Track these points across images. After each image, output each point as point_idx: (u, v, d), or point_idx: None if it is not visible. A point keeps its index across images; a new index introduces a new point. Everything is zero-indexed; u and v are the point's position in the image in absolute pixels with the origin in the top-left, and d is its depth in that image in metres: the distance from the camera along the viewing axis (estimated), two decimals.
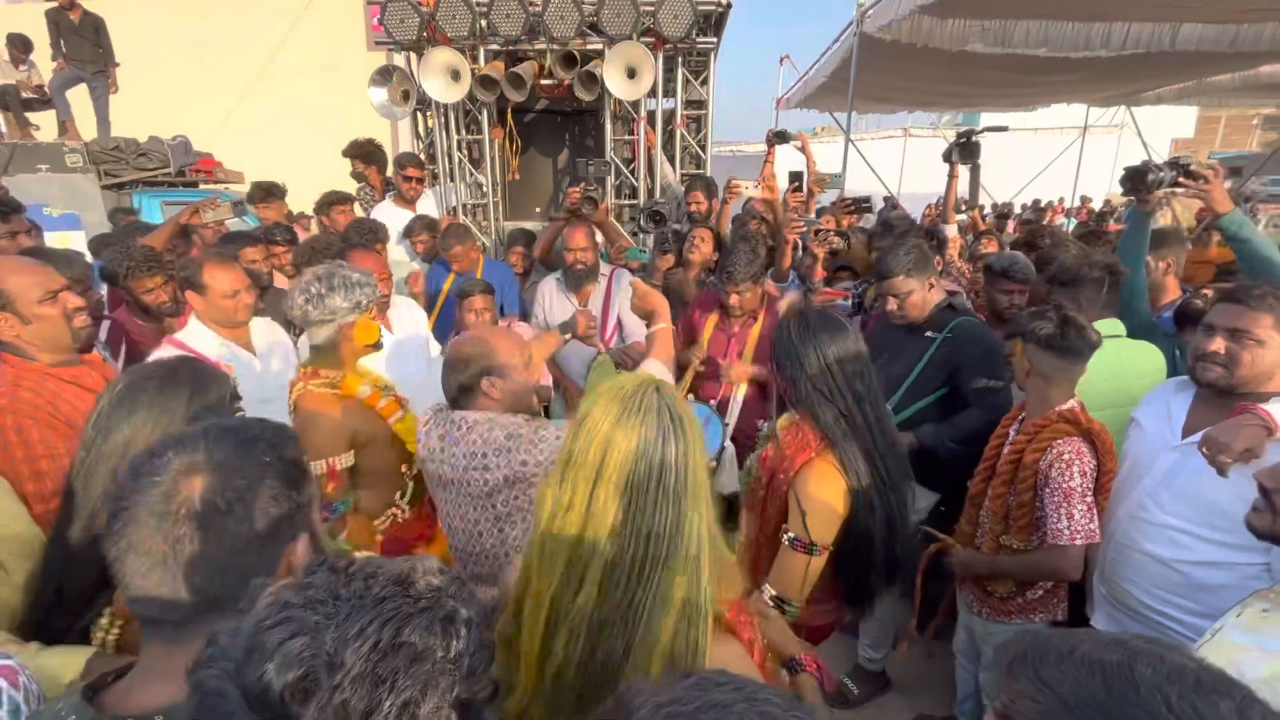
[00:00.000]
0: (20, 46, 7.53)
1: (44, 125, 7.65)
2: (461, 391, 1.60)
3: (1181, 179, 2.22)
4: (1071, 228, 9.38)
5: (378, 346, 1.99)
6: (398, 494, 1.96)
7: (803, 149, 4.23)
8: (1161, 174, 2.25)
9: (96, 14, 7.00)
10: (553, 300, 3.45)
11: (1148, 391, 1.93)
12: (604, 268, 3.43)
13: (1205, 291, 2.60)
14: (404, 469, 1.96)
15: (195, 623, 0.72)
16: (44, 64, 7.32)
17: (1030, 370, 1.86)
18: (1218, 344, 1.62)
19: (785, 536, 1.53)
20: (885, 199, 11.00)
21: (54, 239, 4.07)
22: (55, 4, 6.71)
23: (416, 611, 0.53)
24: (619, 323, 3.37)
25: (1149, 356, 2.22)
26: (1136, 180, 2.29)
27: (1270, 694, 1.02)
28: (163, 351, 2.10)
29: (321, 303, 1.84)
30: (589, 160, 4.62)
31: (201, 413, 1.13)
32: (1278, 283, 1.68)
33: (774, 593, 1.53)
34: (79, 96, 7.09)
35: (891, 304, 2.44)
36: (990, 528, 1.94)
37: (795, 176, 3.97)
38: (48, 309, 1.67)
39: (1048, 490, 1.75)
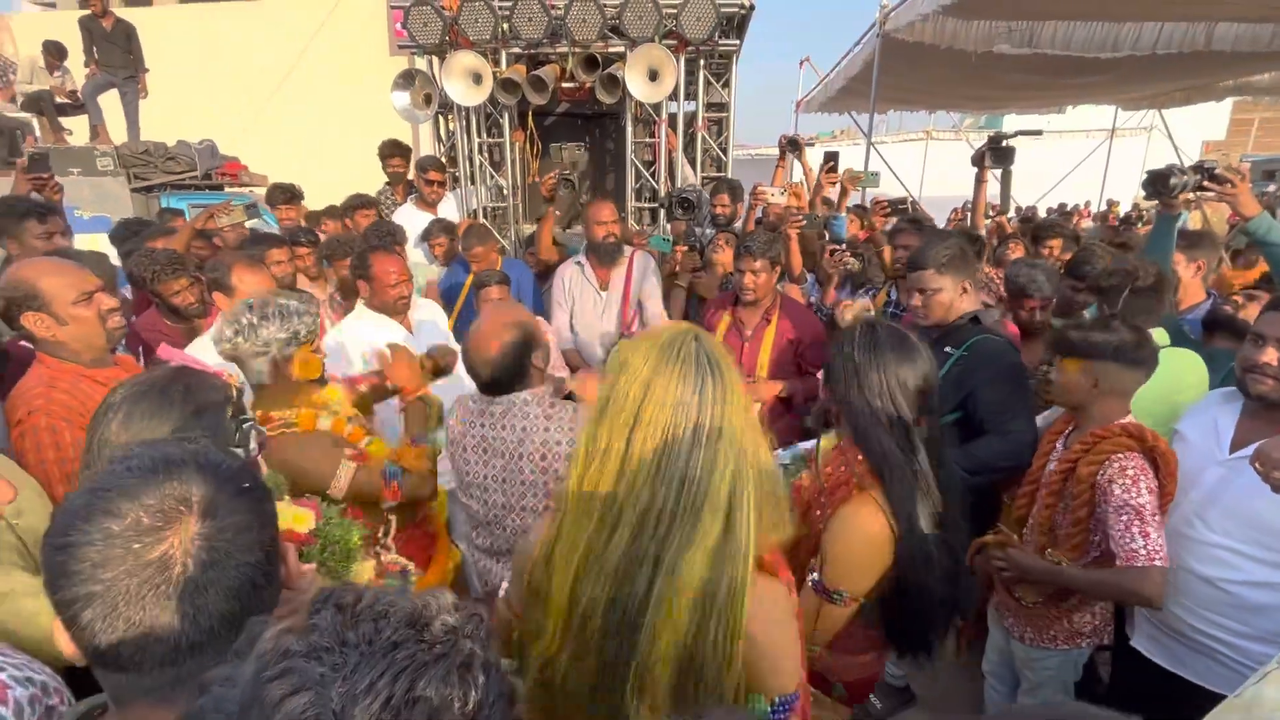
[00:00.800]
0: (55, 54, 7.73)
1: (76, 130, 7.83)
2: (515, 377, 1.72)
3: (1206, 182, 2.16)
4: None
5: (322, 382, 1.83)
6: (380, 530, 1.81)
7: (799, 158, 4.19)
8: (1185, 178, 2.19)
9: (128, 21, 7.15)
10: (573, 283, 3.42)
11: (1191, 404, 1.86)
12: (624, 249, 3.41)
13: (1235, 297, 2.52)
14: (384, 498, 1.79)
15: (182, 673, 0.65)
16: (77, 70, 7.50)
17: (1093, 385, 1.74)
18: (1270, 355, 1.55)
19: (810, 575, 1.39)
20: (909, 203, 10.89)
21: (83, 241, 4.15)
22: (88, 11, 6.86)
23: (432, 660, 0.47)
24: (640, 306, 3.35)
25: (1193, 368, 2.13)
26: (1159, 184, 2.24)
27: None
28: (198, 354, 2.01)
29: (254, 333, 1.67)
30: (562, 145, 4.61)
31: (192, 423, 1.06)
32: None
33: None
34: (110, 102, 7.24)
35: (916, 299, 2.23)
36: (1035, 540, 1.82)
37: (830, 156, 3.93)
38: (83, 310, 1.68)
39: (1110, 507, 1.61)
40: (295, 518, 1.24)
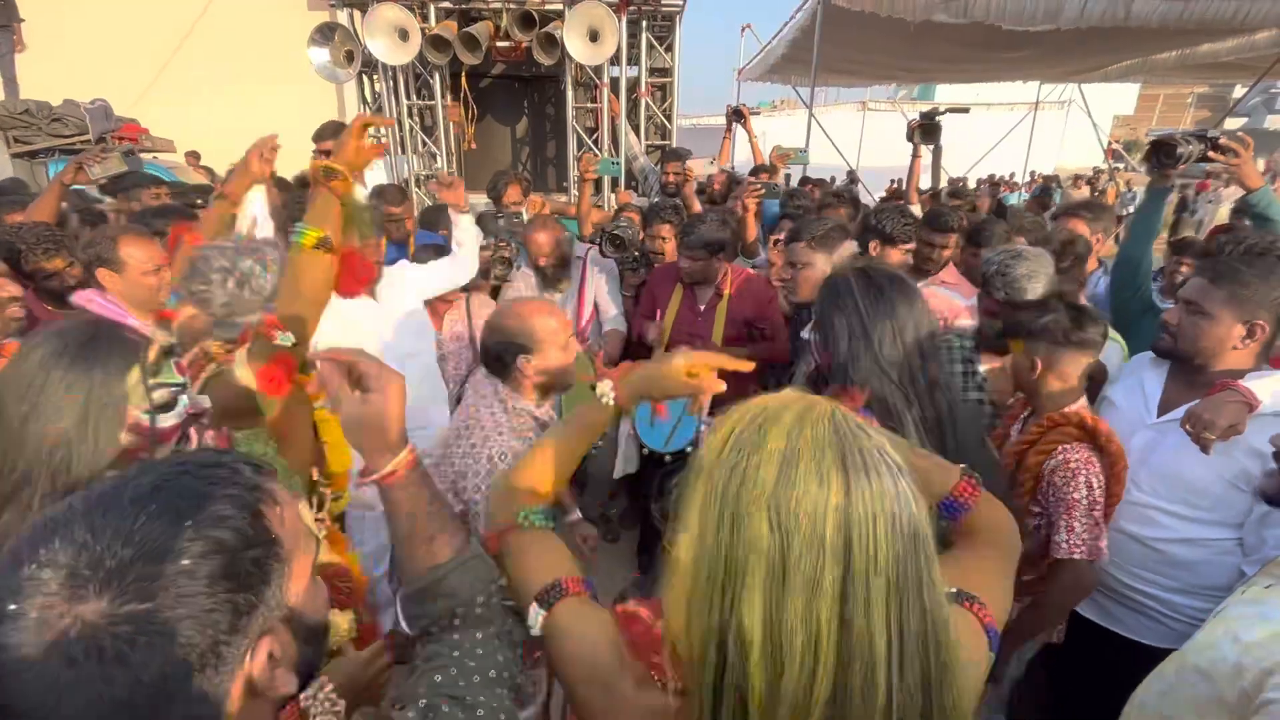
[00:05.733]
0: None
1: None
2: (497, 364, 1.65)
3: (1211, 153, 2.11)
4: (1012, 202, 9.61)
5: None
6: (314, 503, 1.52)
7: (745, 126, 4.12)
8: (1191, 147, 2.09)
9: None
10: (524, 287, 3.27)
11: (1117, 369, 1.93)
12: (579, 249, 3.26)
13: (1184, 266, 2.61)
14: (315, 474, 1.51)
15: None
16: None
17: (1043, 369, 1.69)
18: (1172, 314, 1.68)
19: None
20: (847, 173, 11.06)
21: None
22: None
23: None
24: (595, 309, 3.23)
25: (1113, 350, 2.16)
26: (1164, 152, 2.11)
27: (1264, 655, 1.02)
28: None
29: (249, 284, 1.47)
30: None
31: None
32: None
33: None
34: None
35: (788, 272, 2.15)
36: None
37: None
38: None
39: (1052, 498, 1.58)
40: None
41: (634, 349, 3.03)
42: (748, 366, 0.94)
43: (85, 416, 0.92)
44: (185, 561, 0.50)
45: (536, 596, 0.77)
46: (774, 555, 0.55)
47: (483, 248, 3.02)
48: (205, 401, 1.05)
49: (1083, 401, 1.71)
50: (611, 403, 0.96)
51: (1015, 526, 0.93)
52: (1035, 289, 1.96)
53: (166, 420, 0.98)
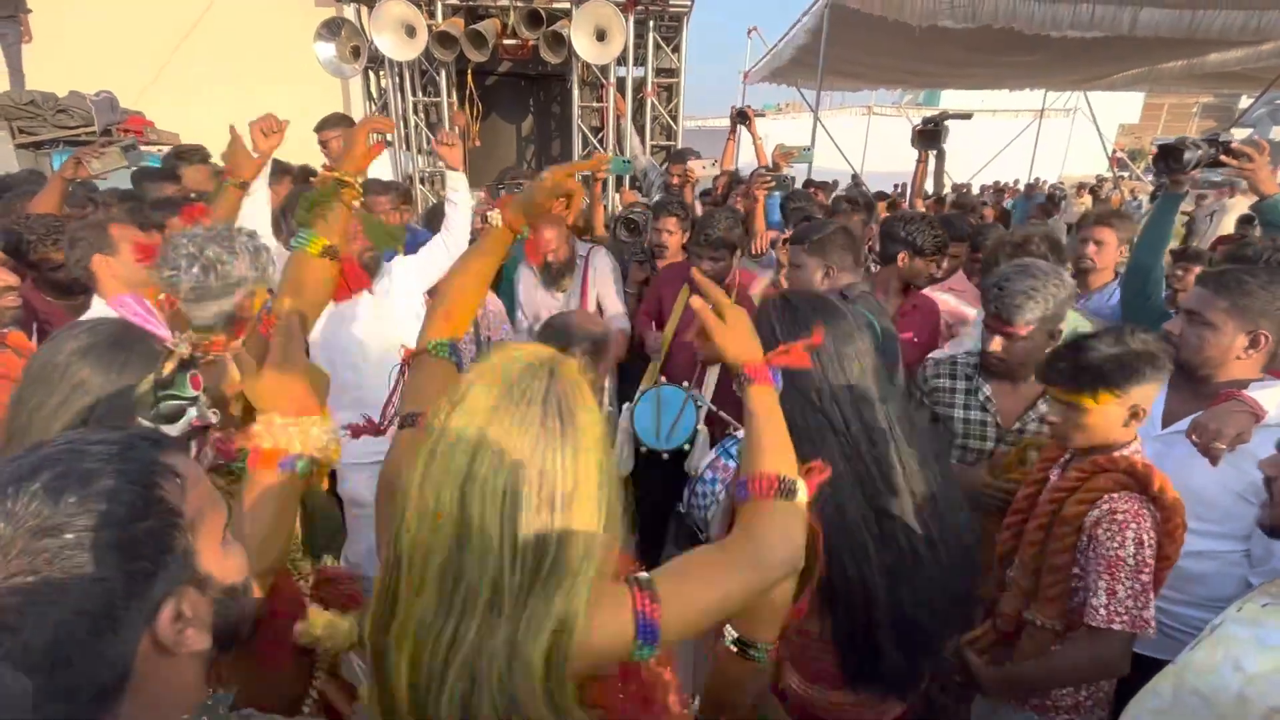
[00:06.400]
0: None
1: None
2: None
3: (1223, 157, 2.03)
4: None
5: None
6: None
7: (749, 129, 4.11)
8: (1200, 151, 2.01)
9: None
10: (531, 292, 3.23)
11: None
12: (581, 248, 3.25)
13: (1188, 278, 2.59)
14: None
15: None
16: None
17: (1132, 416, 1.40)
18: (1174, 325, 1.66)
19: None
20: (851, 177, 11.06)
21: None
22: None
23: None
24: (599, 307, 3.21)
25: None
26: (1171, 158, 2.03)
27: (1269, 690, 1.01)
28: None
29: (217, 271, 1.43)
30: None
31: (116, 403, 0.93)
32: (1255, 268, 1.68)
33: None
34: None
35: (788, 271, 2.23)
36: (1018, 584, 1.49)
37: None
38: None
39: (1092, 555, 1.35)
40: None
41: (637, 348, 3.01)
42: (595, 166, 1.28)
43: (90, 418, 0.93)
44: (69, 535, 0.54)
45: (401, 420, 1.05)
46: (433, 445, 0.76)
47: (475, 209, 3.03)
48: (213, 417, 1.05)
49: (1137, 444, 1.44)
50: (500, 223, 1.20)
51: (776, 549, 0.90)
52: (1031, 311, 1.71)
53: (171, 431, 0.97)
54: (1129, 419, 1.39)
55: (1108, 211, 3.02)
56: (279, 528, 0.93)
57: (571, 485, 0.77)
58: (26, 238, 2.29)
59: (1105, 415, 1.38)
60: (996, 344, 1.78)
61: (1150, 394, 1.39)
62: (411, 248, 2.90)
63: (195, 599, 0.62)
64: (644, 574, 0.84)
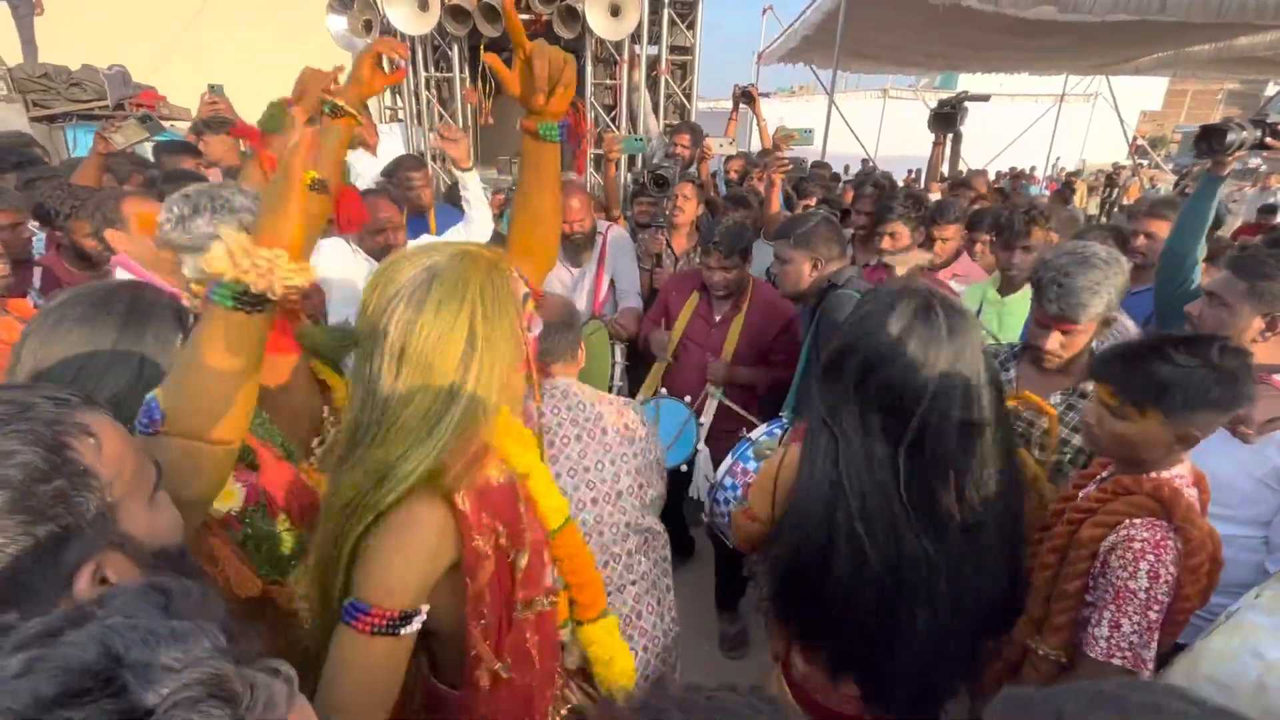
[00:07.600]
0: None
1: None
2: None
3: (1269, 139, 1.93)
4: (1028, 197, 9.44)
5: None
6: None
7: (753, 109, 4.05)
8: (1244, 134, 1.90)
9: None
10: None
11: None
12: (600, 225, 3.19)
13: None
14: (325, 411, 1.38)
15: None
16: None
17: (1177, 440, 1.22)
18: (1195, 307, 1.66)
19: None
20: (863, 161, 10.90)
21: None
22: None
23: None
24: (612, 284, 3.19)
25: None
26: (1214, 139, 1.93)
27: None
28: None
29: (184, 226, 1.33)
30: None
31: (133, 337, 0.94)
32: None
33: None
34: None
35: (775, 265, 2.40)
36: (1028, 612, 1.36)
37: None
38: None
39: (1103, 582, 1.23)
40: (225, 494, 1.06)
41: (641, 348, 2.94)
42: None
43: (139, 380, 0.92)
44: None
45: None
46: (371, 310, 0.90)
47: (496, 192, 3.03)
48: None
49: (1183, 467, 1.28)
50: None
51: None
52: (1096, 306, 1.55)
53: None
54: (1176, 442, 1.22)
55: (1160, 200, 2.80)
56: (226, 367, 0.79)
57: (427, 346, 0.86)
58: (71, 204, 2.34)
59: (1146, 432, 1.22)
60: (1054, 341, 1.61)
61: (1214, 423, 1.22)
62: (441, 226, 2.92)
63: (118, 561, 0.58)
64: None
